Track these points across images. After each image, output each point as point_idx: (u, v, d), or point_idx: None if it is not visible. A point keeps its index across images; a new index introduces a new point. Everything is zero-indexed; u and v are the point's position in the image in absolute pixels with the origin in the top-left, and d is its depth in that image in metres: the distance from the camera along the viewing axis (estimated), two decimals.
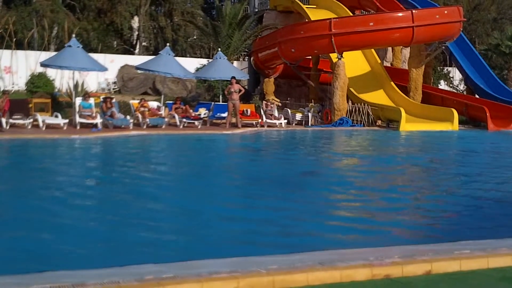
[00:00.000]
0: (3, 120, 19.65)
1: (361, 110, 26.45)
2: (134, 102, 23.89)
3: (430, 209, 9.96)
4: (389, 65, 33.20)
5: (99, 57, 30.79)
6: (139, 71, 29.88)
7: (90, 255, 6.66)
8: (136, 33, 50.98)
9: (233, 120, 24.09)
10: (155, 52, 42.76)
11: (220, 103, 26.39)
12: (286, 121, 25.66)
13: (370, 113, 26.33)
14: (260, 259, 5.84)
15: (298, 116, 27.18)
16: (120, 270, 5.46)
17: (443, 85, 39.16)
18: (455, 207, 10.09)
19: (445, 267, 5.83)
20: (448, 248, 6.39)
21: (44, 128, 20.22)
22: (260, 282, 5.23)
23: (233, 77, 24.37)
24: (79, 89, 28.07)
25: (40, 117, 20.59)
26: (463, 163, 16.27)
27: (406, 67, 30.87)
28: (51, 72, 30.52)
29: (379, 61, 30.50)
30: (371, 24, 25.91)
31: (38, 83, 29.08)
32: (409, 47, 29.62)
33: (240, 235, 7.83)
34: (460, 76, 35.63)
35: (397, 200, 10.63)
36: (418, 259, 5.89)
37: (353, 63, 28.75)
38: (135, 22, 50.07)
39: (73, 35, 24.03)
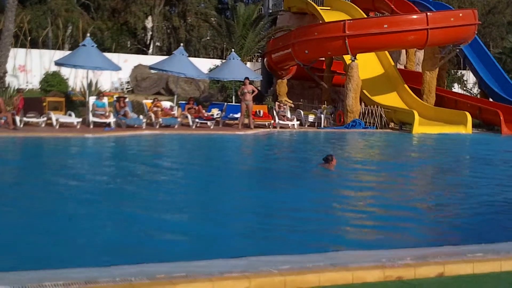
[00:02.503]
0: (17, 118, 19.77)
1: (374, 112, 26.38)
2: (147, 102, 23.95)
3: (443, 212, 9.93)
4: (403, 68, 33.11)
5: (113, 57, 30.88)
6: (152, 71, 29.95)
7: (102, 253, 6.68)
8: (150, 33, 51.11)
9: (246, 121, 24.11)
10: (169, 52, 42.84)
11: (233, 103, 26.42)
12: (298, 122, 25.64)
13: (383, 115, 26.24)
14: (272, 259, 5.84)
15: (311, 117, 27.17)
16: (133, 268, 5.48)
17: (456, 89, 38.99)
18: (468, 210, 10.05)
19: (458, 269, 5.80)
20: (461, 251, 6.37)
21: (57, 127, 20.32)
22: (271, 282, 5.22)
23: (247, 78, 24.39)
24: (93, 88, 28.21)
25: (53, 116, 20.69)
26: (476, 166, 16.18)
27: (420, 70, 30.74)
28: (65, 71, 30.67)
29: (393, 64, 30.40)
30: (385, 26, 25.84)
31: (52, 82, 29.23)
32: (423, 50, 29.51)
33: (251, 235, 7.84)
34: (474, 79, 35.45)
35: (410, 203, 10.60)
36: (430, 261, 5.86)
37: (367, 65, 28.69)
38: (149, 22, 50.19)
39: (88, 35, 24.13)
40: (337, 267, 5.59)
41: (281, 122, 24.87)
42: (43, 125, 20.54)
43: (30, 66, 34.55)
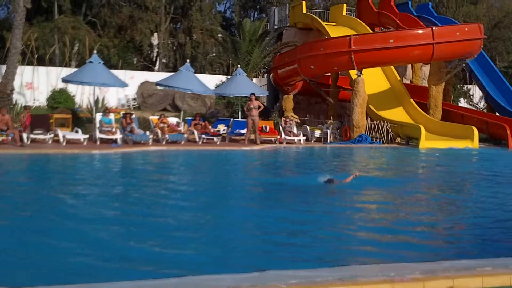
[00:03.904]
0: (25, 135, 19.84)
1: (380, 127, 26.37)
2: (154, 118, 24.01)
3: (452, 226, 9.88)
4: (409, 82, 33.13)
5: (119, 74, 30.98)
6: (158, 88, 30.08)
7: (110, 268, 6.67)
8: (156, 50, 51.35)
9: (252, 136, 24.13)
10: (175, 69, 43.04)
11: (239, 119, 26.45)
12: (304, 137, 25.65)
13: (390, 130, 26.24)
14: (280, 273, 5.80)
15: (317, 133, 27.18)
16: (139, 283, 5.46)
17: (463, 103, 38.96)
18: (478, 224, 10.00)
19: (467, 283, 5.75)
20: (470, 265, 6.32)
21: (64, 143, 20.38)
22: None
23: (253, 94, 24.43)
24: (100, 104, 28.30)
25: (60, 132, 20.77)
26: (484, 182, 16.11)
27: (426, 84, 30.77)
28: (71, 88, 30.80)
29: (399, 78, 30.44)
30: (391, 41, 25.91)
31: (59, 99, 29.37)
32: (429, 64, 29.55)
33: (259, 249, 7.81)
34: (480, 94, 35.43)
35: (418, 217, 10.56)
36: (439, 275, 5.81)
37: (373, 80, 28.73)
38: (155, 39, 50.44)
39: (94, 51, 24.25)
40: (346, 281, 5.55)
41: (287, 137, 24.88)
42: (50, 141, 20.60)
43: (37, 83, 34.72)
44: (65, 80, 23.32)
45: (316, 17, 33.98)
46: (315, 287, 5.37)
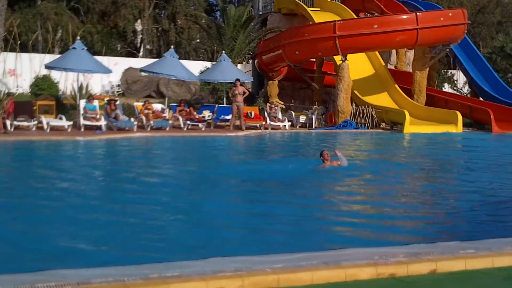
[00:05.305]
0: (8, 122, 19.71)
1: (365, 112, 26.44)
2: (138, 105, 23.93)
3: (435, 210, 9.96)
4: (393, 68, 33.18)
5: (103, 60, 30.75)
6: (143, 74, 29.94)
7: (95, 254, 6.67)
8: (140, 36, 51.01)
9: (237, 122, 24.12)
10: (159, 55, 42.77)
11: (224, 105, 26.42)
12: (290, 123, 25.69)
13: (374, 115, 26.32)
14: (265, 258, 5.83)
15: (302, 118, 27.20)
16: (125, 268, 5.46)
17: (447, 88, 39.10)
18: (460, 207, 10.09)
19: (450, 266, 5.82)
20: (453, 248, 6.38)
21: (48, 130, 20.27)
22: (265, 280, 5.22)
23: (238, 80, 24.38)
24: (84, 91, 28.11)
25: (44, 119, 20.65)
26: (467, 165, 16.24)
27: (410, 70, 30.83)
28: (55, 75, 30.56)
29: (383, 64, 30.48)
30: (376, 26, 25.91)
31: (43, 86, 29.14)
32: (413, 50, 29.62)
33: (244, 235, 7.84)
34: (464, 79, 35.55)
35: (401, 201, 10.64)
36: (423, 258, 5.88)
37: (357, 66, 28.74)
38: (139, 25, 50.10)
39: (77, 38, 24.07)
40: (330, 265, 5.60)
41: (272, 123, 24.89)
42: (34, 128, 20.49)
43: (20, 70, 34.41)
44: (48, 67, 23.16)
45: (301, 3, 33.89)
46: (300, 271, 5.41)
